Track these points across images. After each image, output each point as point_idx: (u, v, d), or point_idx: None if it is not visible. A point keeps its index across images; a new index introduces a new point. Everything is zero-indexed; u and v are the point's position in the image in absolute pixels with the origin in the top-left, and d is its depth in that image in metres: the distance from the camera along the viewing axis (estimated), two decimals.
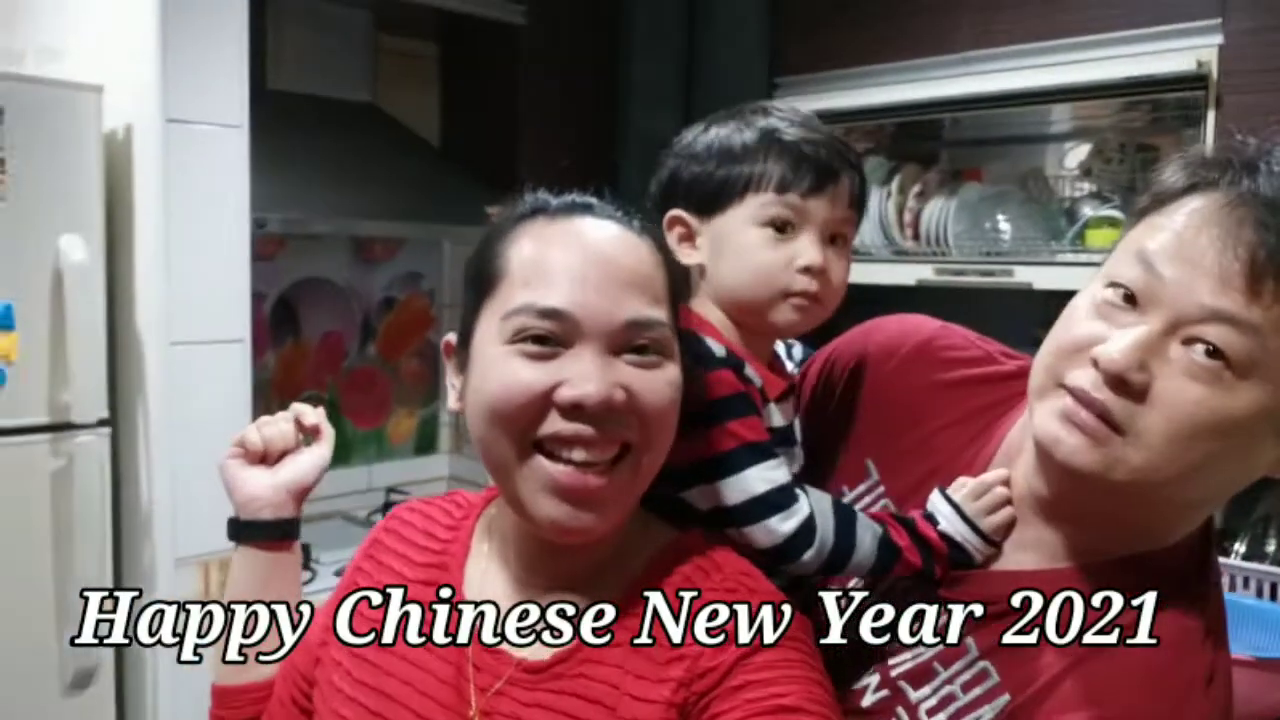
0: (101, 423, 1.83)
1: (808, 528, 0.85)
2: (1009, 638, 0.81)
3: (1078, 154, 2.39)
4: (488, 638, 0.81)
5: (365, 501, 2.73)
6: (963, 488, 0.87)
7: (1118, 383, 0.73)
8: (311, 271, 2.70)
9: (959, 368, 0.95)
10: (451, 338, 0.84)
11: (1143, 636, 0.77)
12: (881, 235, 2.42)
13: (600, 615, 0.79)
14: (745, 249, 0.90)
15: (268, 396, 2.60)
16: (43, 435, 1.79)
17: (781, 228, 0.90)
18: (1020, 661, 0.80)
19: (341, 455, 2.71)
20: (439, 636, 0.83)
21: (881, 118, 2.45)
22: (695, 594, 0.78)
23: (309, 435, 1.01)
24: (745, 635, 0.74)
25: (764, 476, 0.86)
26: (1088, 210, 2.23)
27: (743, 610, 0.76)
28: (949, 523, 0.86)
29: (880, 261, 2.42)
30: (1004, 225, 2.33)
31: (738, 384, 0.88)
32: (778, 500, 0.85)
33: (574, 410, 0.73)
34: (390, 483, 2.79)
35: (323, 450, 1.00)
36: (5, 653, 1.77)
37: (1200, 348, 0.72)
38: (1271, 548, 2.03)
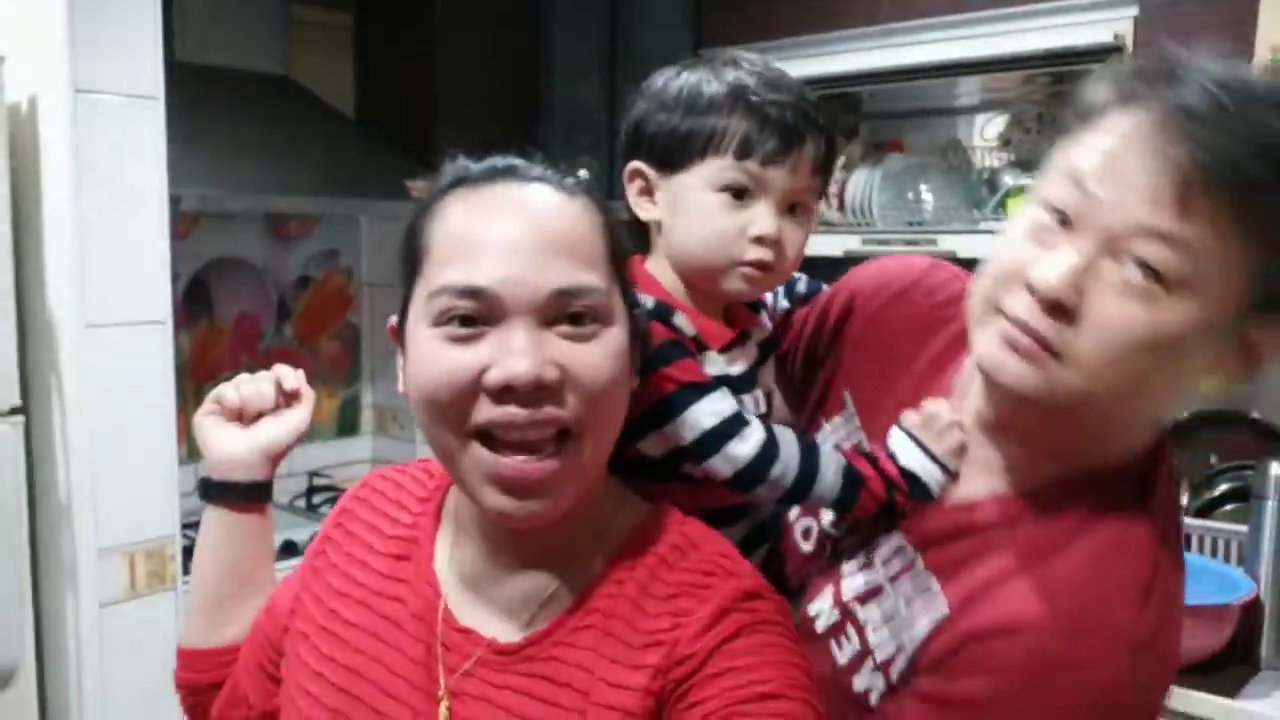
0: (13, 410, 1.74)
1: (767, 451, 0.86)
2: (953, 553, 0.83)
3: (996, 124, 2.45)
4: (456, 617, 0.79)
5: (288, 486, 2.65)
6: (912, 420, 0.89)
7: (1053, 307, 0.74)
8: (225, 251, 2.61)
9: (940, 304, 0.95)
10: (394, 320, 0.80)
11: (1079, 545, 0.79)
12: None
13: (571, 596, 0.77)
14: (701, 212, 0.89)
15: (181, 381, 2.50)
16: None
17: (739, 194, 0.88)
18: (961, 575, 0.82)
19: None
20: (407, 615, 0.81)
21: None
22: (671, 575, 0.76)
23: (289, 398, 0.98)
24: (723, 619, 0.72)
25: (710, 410, 0.85)
26: (1008, 179, 2.28)
27: (721, 593, 0.74)
28: (909, 456, 0.87)
29: None
30: (926, 196, 2.37)
31: (665, 332, 0.87)
32: (728, 429, 0.86)
33: (504, 393, 0.69)
34: (312, 467, 2.72)
35: (301, 414, 0.97)
36: None
37: (1132, 265, 0.73)
38: (1184, 500, 2.12)
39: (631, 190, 0.92)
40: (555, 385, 0.70)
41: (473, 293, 0.70)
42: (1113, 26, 1.94)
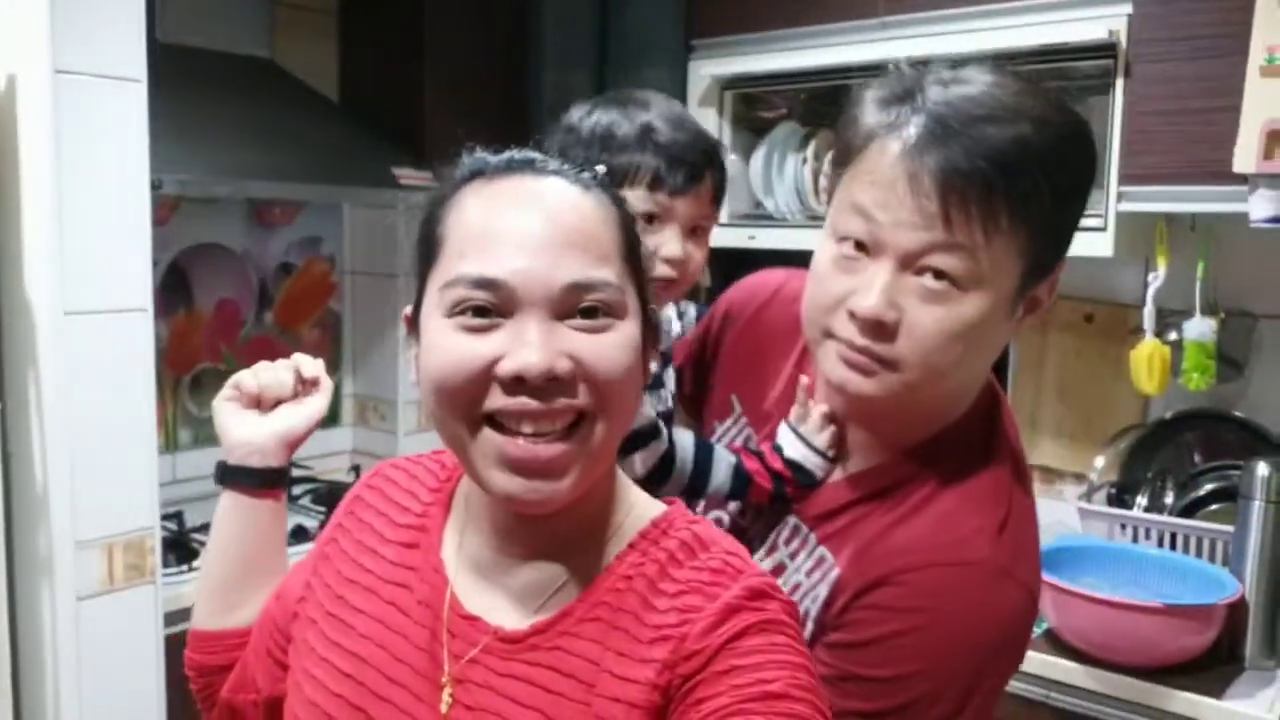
0: None
1: (670, 453, 1.03)
2: (838, 525, 0.98)
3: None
4: (463, 604, 0.79)
5: None
6: (795, 415, 1.03)
7: (875, 326, 0.88)
8: (205, 237, 2.56)
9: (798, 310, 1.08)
10: (409, 311, 0.81)
11: (939, 500, 0.94)
12: (798, 201, 2.44)
13: (579, 588, 0.77)
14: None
15: (160, 369, 2.46)
16: None
17: (650, 219, 1.03)
18: (848, 541, 0.97)
19: None
20: (413, 602, 0.81)
21: (797, 83, 2.45)
22: (680, 572, 0.76)
23: (308, 386, 1.00)
24: (731, 617, 0.72)
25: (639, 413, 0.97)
26: None
27: (730, 592, 0.74)
28: (792, 447, 1.02)
29: (796, 227, 2.44)
30: None
31: None
32: (647, 433, 1.01)
33: (516, 383, 0.70)
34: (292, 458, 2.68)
35: (319, 402, 0.99)
36: None
37: (929, 274, 0.87)
38: (1169, 499, 2.13)
39: None
40: (568, 377, 0.71)
41: (487, 284, 0.71)
42: (1107, 23, 1.94)
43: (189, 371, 2.57)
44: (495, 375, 0.71)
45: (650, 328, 0.79)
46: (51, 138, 1.69)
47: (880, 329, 0.88)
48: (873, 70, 2.29)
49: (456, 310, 0.72)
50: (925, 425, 0.97)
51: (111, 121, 1.76)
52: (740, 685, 0.69)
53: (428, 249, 0.77)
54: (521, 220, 0.73)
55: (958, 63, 0.92)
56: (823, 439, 1.02)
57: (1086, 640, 1.84)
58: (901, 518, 0.95)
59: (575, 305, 0.72)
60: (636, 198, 1.01)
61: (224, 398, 0.98)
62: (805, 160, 2.41)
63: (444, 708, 0.76)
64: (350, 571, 0.86)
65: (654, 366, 0.95)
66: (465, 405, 0.72)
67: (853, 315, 0.89)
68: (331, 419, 2.89)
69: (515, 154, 0.79)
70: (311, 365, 1.00)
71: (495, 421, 0.72)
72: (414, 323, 0.79)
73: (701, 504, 1.10)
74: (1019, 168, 0.84)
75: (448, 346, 0.72)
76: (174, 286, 2.52)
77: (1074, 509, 2.19)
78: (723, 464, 1.04)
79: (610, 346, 0.73)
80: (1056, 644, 1.90)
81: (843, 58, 2.30)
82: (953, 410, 0.98)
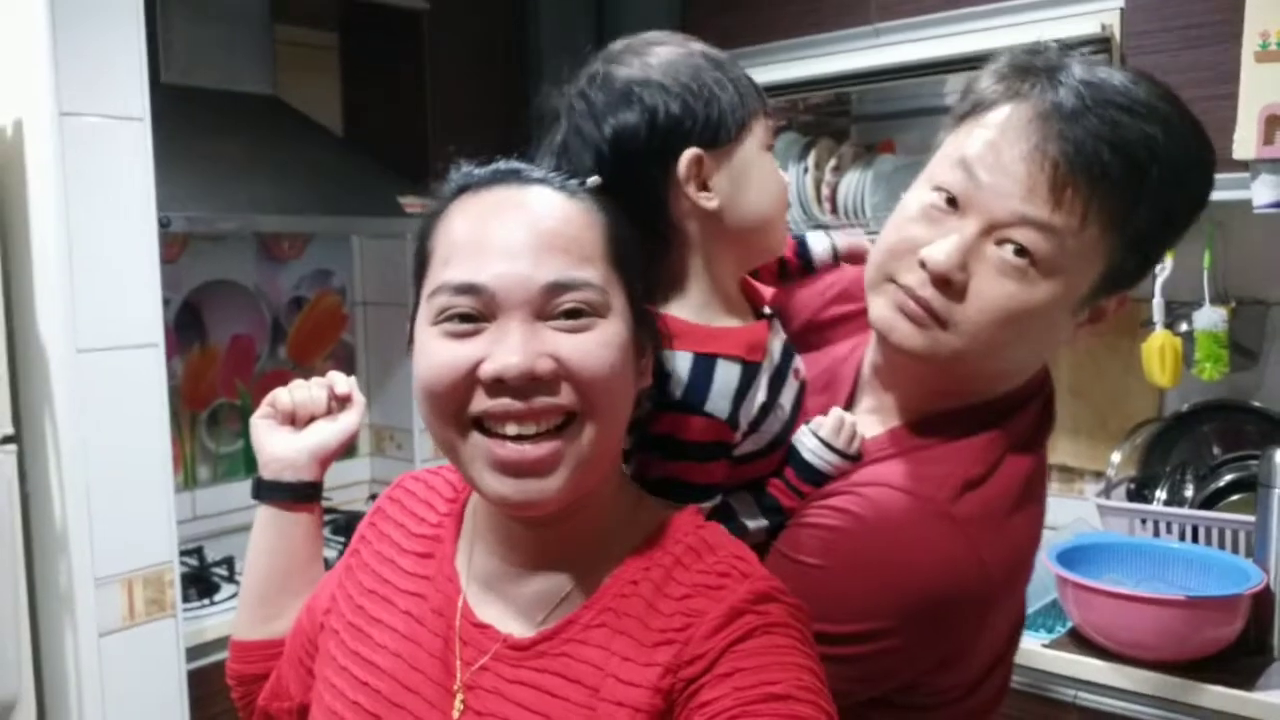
0: (6, 439, 1.72)
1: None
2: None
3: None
4: (474, 612, 0.80)
5: None
6: (822, 425, 0.94)
7: (942, 282, 0.85)
8: (216, 274, 2.59)
9: (835, 295, 1.07)
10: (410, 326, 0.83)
11: (928, 450, 0.91)
12: (800, 210, 2.44)
13: (585, 595, 0.78)
14: (766, 173, 0.91)
15: (176, 405, 2.49)
16: None
17: (769, 148, 0.93)
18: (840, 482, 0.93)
19: (255, 464, 2.61)
20: (428, 611, 0.82)
21: (794, 93, 2.46)
22: (686, 575, 0.76)
23: (341, 403, 1.02)
24: (736, 620, 0.72)
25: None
26: None
27: (735, 594, 0.74)
28: (806, 450, 0.93)
29: None
30: None
31: (714, 432, 0.86)
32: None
33: (497, 385, 0.71)
34: None
35: (351, 418, 1.02)
36: None
37: (1010, 248, 0.84)
38: (1189, 492, 2.11)
39: (689, 187, 0.87)
40: (549, 376, 0.72)
41: (468, 289, 0.73)
42: (1099, 18, 1.94)
43: (206, 408, 2.59)
44: (478, 378, 0.72)
45: (648, 330, 0.80)
46: (58, 179, 1.72)
47: (945, 286, 0.86)
48: (869, 77, 2.32)
49: (441, 317, 0.74)
50: (953, 395, 0.94)
51: (117, 161, 1.79)
52: (744, 687, 0.69)
53: (419, 263, 0.79)
54: (502, 228, 0.75)
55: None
56: (844, 439, 0.94)
57: (1111, 637, 1.82)
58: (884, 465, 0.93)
59: (556, 306, 0.73)
60: (764, 126, 0.91)
61: (260, 415, 1.01)
62: (806, 169, 2.42)
63: (455, 714, 0.77)
64: (370, 582, 0.88)
65: (765, 386, 0.90)
66: (453, 409, 0.74)
67: (923, 265, 0.86)
68: (349, 450, 2.90)
69: (501, 165, 0.81)
70: (344, 382, 1.03)
71: (483, 425, 0.73)
72: (411, 337, 0.80)
73: None
74: (1138, 165, 0.82)
75: (433, 352, 0.74)
76: (188, 324, 2.54)
77: (1093, 506, 2.17)
78: (754, 519, 0.93)
79: (593, 345, 0.73)
80: (1081, 642, 1.88)
81: (838, 66, 2.31)
82: (986, 393, 0.94)
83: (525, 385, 0.71)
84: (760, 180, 0.90)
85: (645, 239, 0.85)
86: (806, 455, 0.92)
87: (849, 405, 1.00)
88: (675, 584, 0.76)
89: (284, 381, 1.04)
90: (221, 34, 2.41)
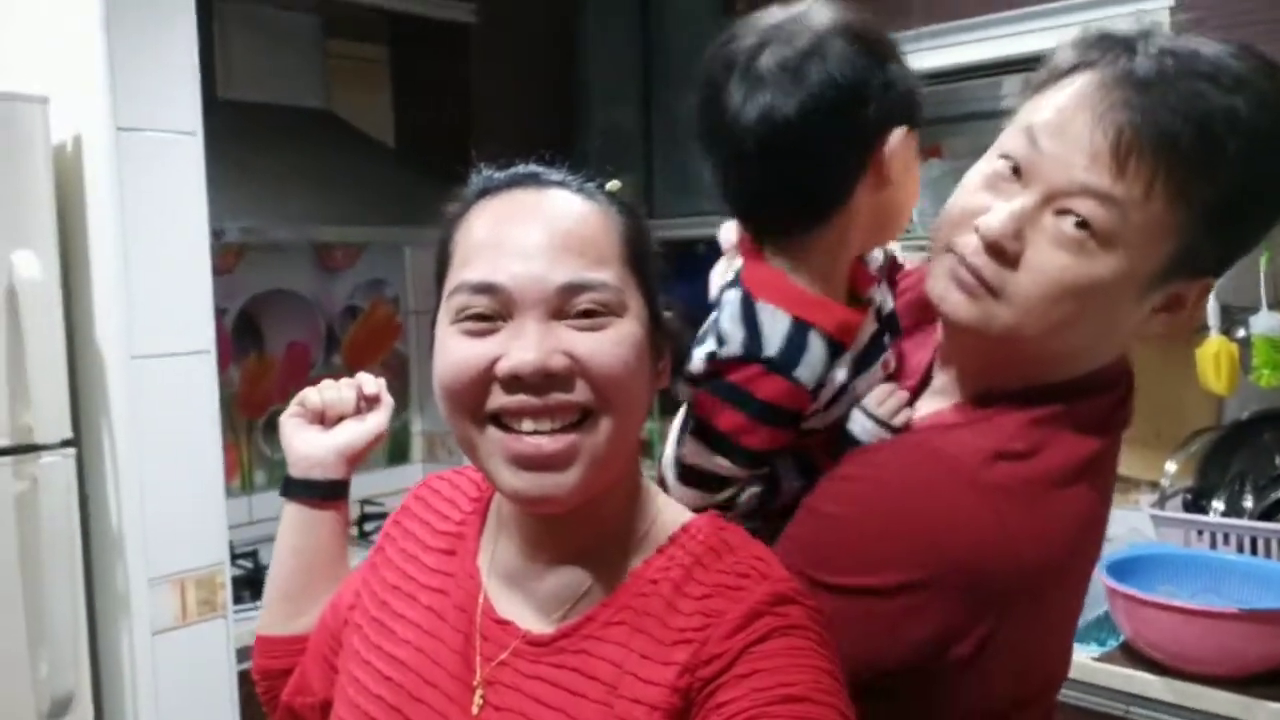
0: (65, 443, 1.78)
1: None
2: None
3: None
4: (495, 609, 0.81)
5: None
6: (873, 400, 0.93)
7: (995, 249, 0.82)
8: (272, 283, 2.66)
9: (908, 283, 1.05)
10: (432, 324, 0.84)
11: (979, 422, 0.87)
12: None
13: (605, 592, 0.78)
14: (917, 162, 0.90)
15: (232, 412, 2.55)
16: (5, 458, 1.73)
17: None
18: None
19: None
20: (449, 607, 0.83)
21: None
22: (706, 575, 0.76)
23: (370, 403, 1.03)
24: (755, 621, 0.72)
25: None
26: None
27: (754, 595, 0.74)
28: (855, 424, 0.91)
29: None
30: None
31: (793, 398, 0.87)
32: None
33: (514, 381, 0.72)
34: (363, 495, 2.75)
35: (379, 418, 1.03)
36: None
37: (1070, 219, 0.80)
38: (1248, 503, 2.05)
39: (887, 167, 0.85)
40: (564, 373, 0.73)
41: (486, 288, 0.74)
42: (1149, 16, 1.89)
43: (262, 415, 2.66)
44: (495, 375, 0.73)
45: (664, 333, 0.81)
46: (115, 191, 1.78)
47: (999, 254, 0.82)
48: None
49: (460, 316, 0.75)
50: (1017, 377, 0.89)
51: (171, 174, 1.86)
52: (761, 688, 0.69)
53: (440, 265, 0.81)
54: (520, 229, 0.76)
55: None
56: (887, 411, 0.92)
57: (1164, 651, 1.77)
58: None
59: (572, 306, 0.74)
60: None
61: (289, 414, 1.02)
62: None
63: (475, 709, 0.78)
64: (394, 578, 0.89)
65: (846, 364, 0.90)
66: (470, 406, 0.75)
67: (978, 231, 0.84)
68: (401, 455, 2.95)
69: (520, 169, 0.82)
70: (373, 383, 1.04)
71: (499, 421, 0.74)
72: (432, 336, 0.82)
73: None
74: (1213, 136, 0.77)
75: (451, 349, 0.75)
76: (245, 332, 2.61)
77: (1148, 517, 2.12)
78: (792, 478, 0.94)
79: (608, 343, 0.74)
80: (1134, 656, 1.83)
81: None
82: (1050, 375, 0.89)
83: (541, 382, 0.72)
84: (915, 175, 0.90)
85: (801, 208, 0.85)
86: (851, 425, 0.91)
87: (920, 390, 0.97)
88: (695, 583, 0.76)
89: None
90: (276, 51, 2.48)
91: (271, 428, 2.67)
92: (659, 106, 2.68)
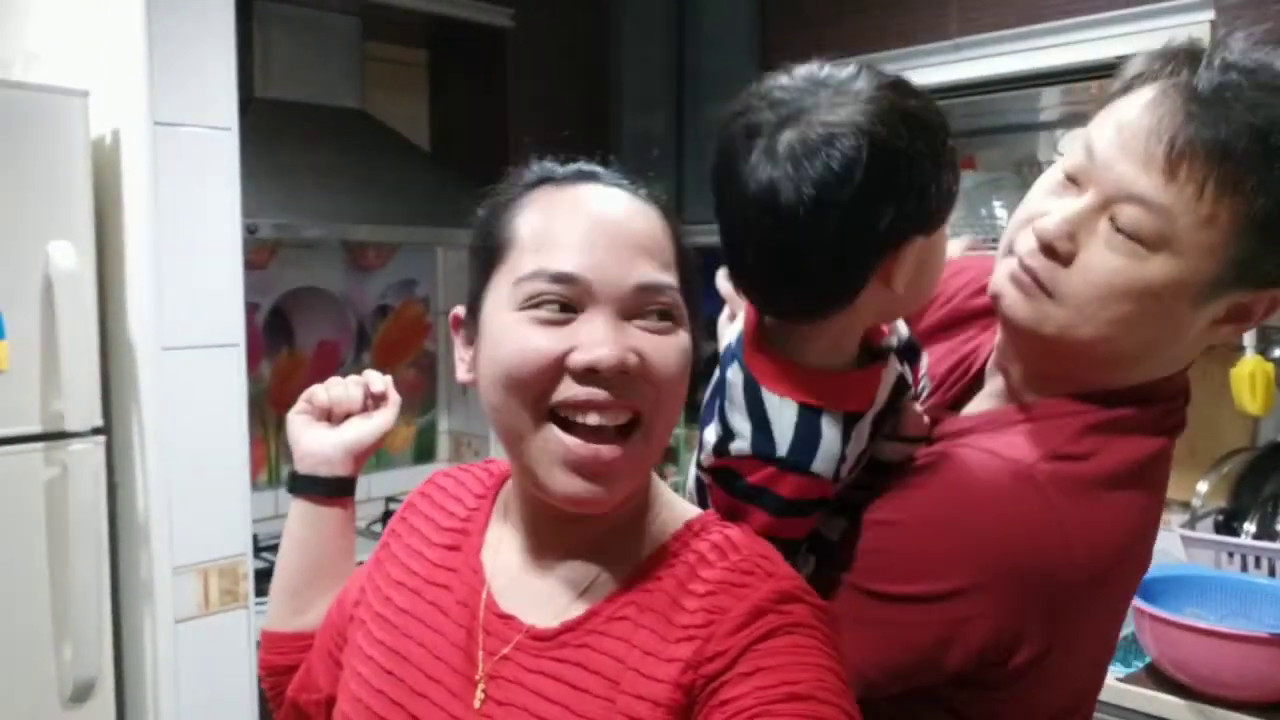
0: (95, 430, 1.81)
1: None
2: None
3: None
4: (498, 603, 0.81)
5: (365, 512, 2.69)
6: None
7: (1049, 250, 0.84)
8: (305, 281, 2.69)
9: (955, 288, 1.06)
10: (459, 311, 0.83)
11: (1033, 422, 0.88)
12: None
13: (609, 587, 0.78)
14: (943, 254, 0.85)
15: (263, 407, 2.58)
16: (36, 444, 1.77)
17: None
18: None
19: None
20: (452, 602, 0.83)
21: None
22: (711, 572, 0.76)
23: (376, 401, 1.03)
24: (758, 619, 0.72)
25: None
26: None
27: (758, 593, 0.73)
28: (888, 449, 0.89)
29: None
30: (1000, 212, 2.32)
31: (816, 490, 0.83)
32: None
33: (588, 374, 0.72)
34: (389, 492, 2.77)
35: (386, 416, 1.02)
36: (3, 665, 1.74)
37: (1121, 223, 0.82)
38: None
39: (898, 273, 0.79)
40: (636, 372, 0.73)
41: (564, 278, 0.73)
42: (1188, 30, 1.87)
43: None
44: (567, 367, 0.73)
45: (695, 342, 0.81)
46: (151, 184, 1.82)
47: (1053, 254, 0.84)
48: (950, 91, 2.29)
49: (530, 303, 0.74)
50: (1070, 384, 0.89)
51: (206, 168, 1.89)
52: (765, 686, 0.69)
53: (491, 249, 0.79)
54: (592, 223, 0.75)
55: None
56: (909, 425, 0.90)
57: (1191, 674, 1.74)
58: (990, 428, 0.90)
59: (642, 306, 0.74)
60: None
61: (296, 410, 1.02)
62: None
63: (477, 703, 0.78)
64: (398, 574, 0.89)
65: (863, 443, 0.86)
66: (534, 396, 0.74)
67: (1035, 233, 0.86)
68: (428, 454, 2.97)
69: (583, 165, 0.82)
70: (379, 381, 1.03)
71: (559, 417, 0.74)
72: (467, 324, 0.81)
73: None
74: (1270, 146, 0.76)
75: (520, 337, 0.74)
76: (277, 328, 2.64)
77: (1178, 537, 2.08)
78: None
79: (672, 350, 0.75)
80: (1159, 678, 1.80)
81: (918, 81, 2.27)
82: (1106, 382, 0.88)
83: (614, 378, 0.72)
84: (938, 262, 0.84)
85: (803, 301, 0.81)
86: (877, 454, 0.88)
87: (972, 391, 0.98)
88: (699, 580, 0.75)
89: None
90: (315, 52, 2.51)
91: None
92: (691, 113, 2.69)
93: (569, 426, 0.74)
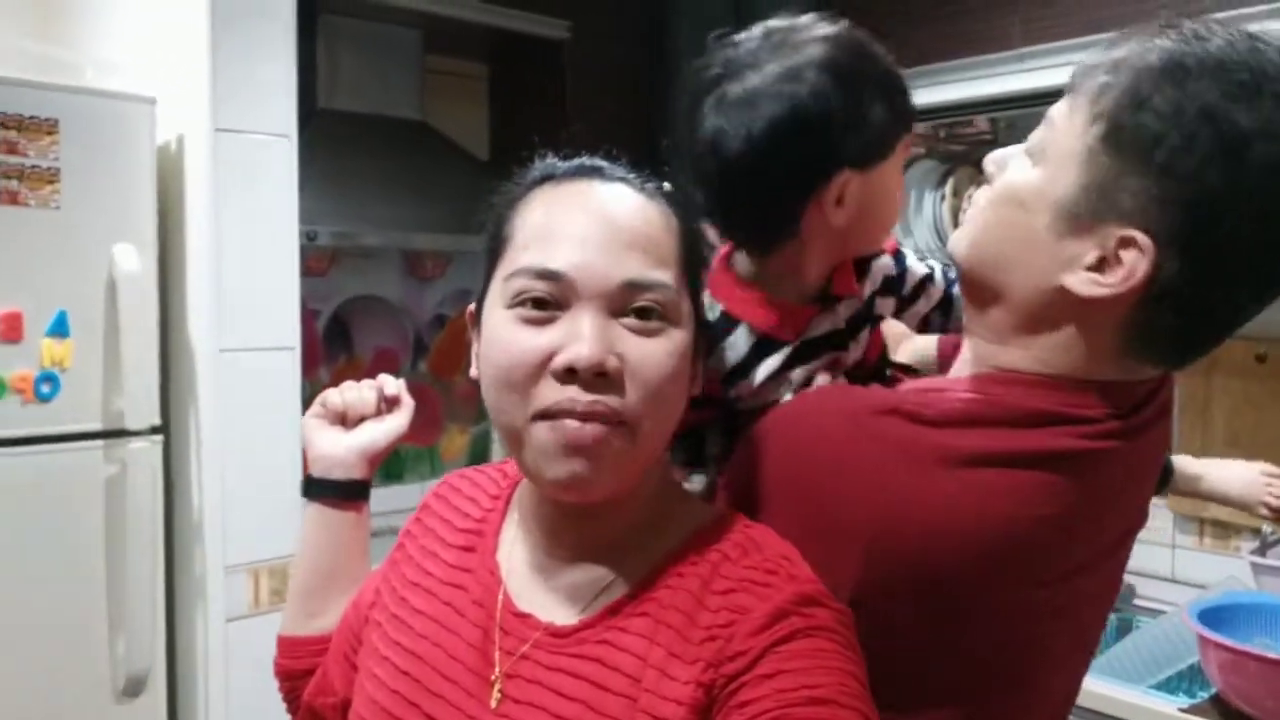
0: (154, 430, 1.85)
1: None
2: None
3: None
4: (515, 603, 0.81)
5: None
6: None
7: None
8: (364, 289, 2.72)
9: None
10: (473, 307, 0.84)
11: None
12: (936, 238, 2.38)
13: (628, 586, 0.77)
14: (895, 194, 0.92)
15: None
16: (96, 442, 1.81)
17: (903, 167, 0.95)
18: None
19: (394, 472, 2.72)
20: (468, 602, 0.83)
21: (936, 118, 2.41)
22: (733, 571, 0.75)
23: (390, 404, 1.04)
24: (780, 621, 0.71)
25: None
26: None
27: (781, 594, 0.72)
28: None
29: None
30: None
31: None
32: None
33: (568, 374, 0.72)
34: None
35: (400, 420, 1.03)
36: (58, 659, 1.78)
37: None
38: None
39: (829, 205, 0.87)
40: (615, 374, 0.72)
41: (547, 275, 0.73)
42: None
43: None
44: (549, 368, 0.72)
45: (703, 339, 0.81)
46: (212, 189, 1.86)
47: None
48: (1013, 102, 2.25)
49: (516, 301, 0.74)
50: (1010, 361, 0.85)
51: (265, 175, 1.92)
52: (785, 689, 0.68)
53: (493, 246, 0.80)
54: (584, 219, 0.75)
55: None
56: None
57: (1259, 705, 1.67)
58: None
59: (630, 303, 0.74)
60: (904, 144, 0.92)
61: (311, 414, 1.03)
62: (944, 197, 2.36)
63: (494, 703, 0.77)
64: (413, 575, 0.89)
65: (821, 328, 0.94)
66: (522, 398, 0.74)
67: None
68: (482, 461, 2.97)
69: (585, 160, 0.82)
70: (393, 385, 1.04)
71: (545, 415, 0.73)
72: (476, 318, 0.82)
73: None
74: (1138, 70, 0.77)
75: (508, 339, 0.74)
76: (336, 335, 2.68)
77: (1247, 564, 2.01)
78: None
79: (660, 352, 0.74)
80: (1225, 709, 1.73)
81: (979, 91, 2.25)
82: (1002, 328, 0.85)
83: (592, 379, 0.72)
84: (888, 201, 0.90)
85: (751, 235, 0.90)
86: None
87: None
88: (721, 579, 0.75)
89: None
90: (377, 64, 2.55)
91: None
92: None
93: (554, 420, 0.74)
